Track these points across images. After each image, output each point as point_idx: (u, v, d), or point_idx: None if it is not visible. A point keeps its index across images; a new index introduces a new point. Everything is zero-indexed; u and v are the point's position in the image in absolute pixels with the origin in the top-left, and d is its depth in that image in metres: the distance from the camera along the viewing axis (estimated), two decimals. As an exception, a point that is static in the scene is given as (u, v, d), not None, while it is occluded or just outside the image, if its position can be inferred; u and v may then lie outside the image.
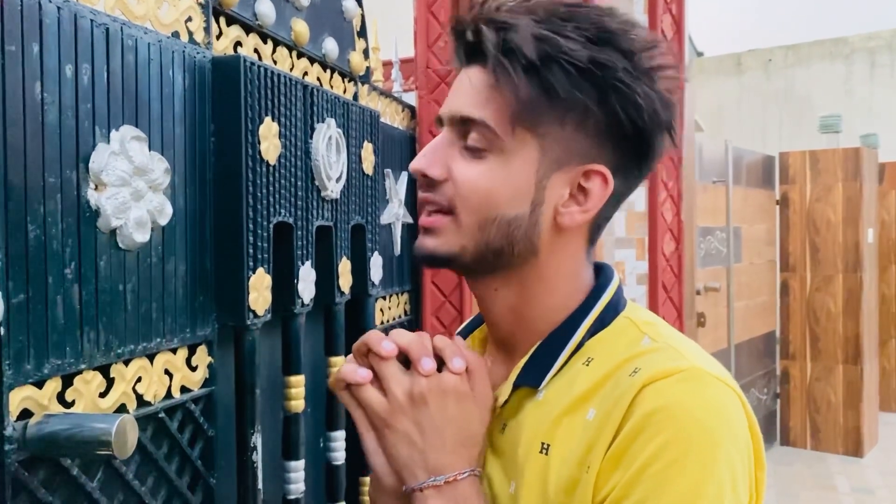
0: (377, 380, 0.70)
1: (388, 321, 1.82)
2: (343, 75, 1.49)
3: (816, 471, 4.62)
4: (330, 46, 1.40)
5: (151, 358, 0.94)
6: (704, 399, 0.62)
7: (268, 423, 1.21)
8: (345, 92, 1.50)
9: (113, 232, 0.86)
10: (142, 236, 0.90)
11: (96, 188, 0.84)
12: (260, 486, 1.11)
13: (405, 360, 0.70)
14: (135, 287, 0.91)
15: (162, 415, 0.97)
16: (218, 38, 1.11)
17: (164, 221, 0.95)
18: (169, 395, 0.98)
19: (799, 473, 4.57)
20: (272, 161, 1.12)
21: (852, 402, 4.88)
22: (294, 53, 1.31)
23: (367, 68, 1.59)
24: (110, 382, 0.88)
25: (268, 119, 1.10)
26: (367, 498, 1.42)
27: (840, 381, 4.93)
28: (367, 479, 1.12)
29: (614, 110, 0.66)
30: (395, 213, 1.78)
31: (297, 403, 1.24)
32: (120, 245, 0.88)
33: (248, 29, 1.18)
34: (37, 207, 0.76)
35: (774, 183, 5.14)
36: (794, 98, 8.78)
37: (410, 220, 1.87)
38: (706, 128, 7.29)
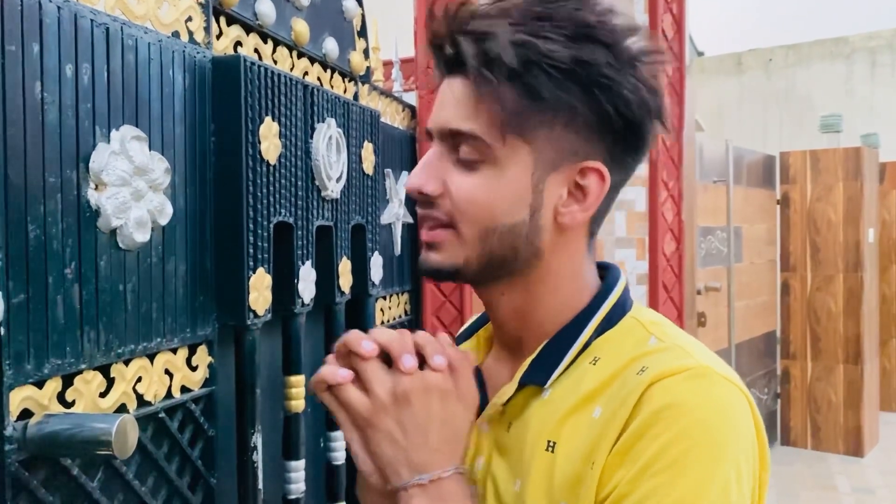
0: (358, 380, 0.69)
1: (388, 321, 1.82)
2: (343, 75, 1.49)
3: (817, 470, 4.62)
4: (330, 46, 1.40)
5: (152, 358, 0.94)
6: (711, 397, 0.62)
7: (268, 423, 1.21)
8: (345, 92, 1.50)
9: (113, 232, 0.86)
10: (142, 236, 0.90)
11: (96, 188, 0.84)
12: (260, 485, 1.11)
13: (387, 359, 0.69)
14: (135, 287, 0.91)
15: (162, 415, 0.97)
16: (218, 37, 1.11)
17: (164, 221, 0.95)
18: (169, 394, 0.98)
19: (799, 473, 4.57)
20: (272, 161, 1.12)
21: (853, 401, 4.88)
22: (294, 53, 1.31)
23: (368, 68, 1.59)
24: (110, 382, 0.88)
25: (268, 119, 1.10)
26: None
27: (840, 380, 4.93)
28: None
29: (602, 106, 0.65)
30: (395, 213, 1.78)
31: (298, 403, 1.24)
32: (120, 245, 0.88)
33: (248, 29, 1.18)
34: (37, 207, 0.76)
35: (775, 183, 5.13)
36: (795, 98, 8.77)
37: (411, 220, 1.87)
38: (707, 127, 7.29)
